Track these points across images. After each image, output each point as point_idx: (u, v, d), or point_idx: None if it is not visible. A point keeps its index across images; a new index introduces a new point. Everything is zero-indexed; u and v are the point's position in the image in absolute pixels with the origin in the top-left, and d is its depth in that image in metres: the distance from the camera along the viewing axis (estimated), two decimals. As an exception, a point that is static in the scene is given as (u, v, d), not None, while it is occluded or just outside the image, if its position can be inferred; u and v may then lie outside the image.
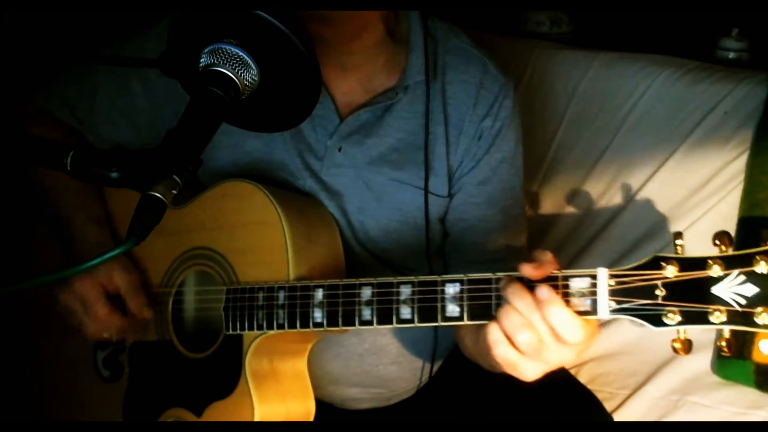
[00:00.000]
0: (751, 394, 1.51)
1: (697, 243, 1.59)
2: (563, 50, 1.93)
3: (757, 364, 1.48)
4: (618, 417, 1.59)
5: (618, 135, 1.77)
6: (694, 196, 1.64)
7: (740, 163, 1.60)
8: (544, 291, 0.93)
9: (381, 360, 1.35)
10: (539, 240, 1.79)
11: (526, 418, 1.29)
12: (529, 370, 0.96)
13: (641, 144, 1.73)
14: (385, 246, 1.32)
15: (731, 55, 1.90)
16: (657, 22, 2.03)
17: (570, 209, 1.80)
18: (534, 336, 0.92)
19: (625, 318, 0.92)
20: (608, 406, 1.58)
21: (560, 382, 1.38)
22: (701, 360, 1.56)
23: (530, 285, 0.95)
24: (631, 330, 1.63)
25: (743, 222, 1.56)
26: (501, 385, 1.21)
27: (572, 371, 1.63)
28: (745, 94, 1.65)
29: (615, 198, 1.73)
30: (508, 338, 0.94)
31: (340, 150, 1.29)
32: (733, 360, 1.51)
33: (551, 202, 1.82)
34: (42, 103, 1.41)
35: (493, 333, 0.95)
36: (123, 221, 1.35)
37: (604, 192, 1.75)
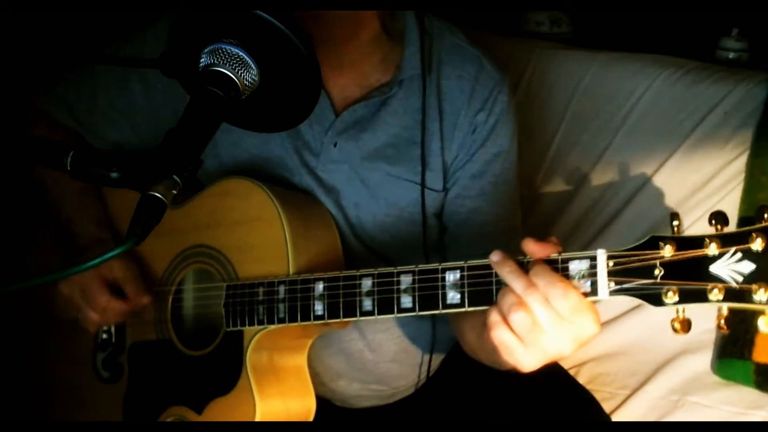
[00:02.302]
0: (751, 394, 1.51)
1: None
2: (563, 50, 1.93)
3: (757, 364, 1.48)
4: (618, 417, 1.59)
5: (618, 135, 1.77)
6: (694, 196, 1.64)
7: (740, 163, 1.60)
8: (536, 267, 0.94)
9: (381, 357, 1.36)
10: (543, 239, 1.79)
11: (524, 418, 1.29)
12: (525, 357, 0.95)
13: (641, 144, 1.73)
14: (382, 241, 1.32)
15: (731, 55, 1.90)
16: (657, 22, 2.03)
17: (569, 210, 1.80)
18: (528, 317, 0.92)
19: (624, 298, 0.92)
20: (608, 406, 1.58)
21: (558, 381, 1.38)
22: (701, 360, 1.56)
23: (527, 270, 0.95)
24: (631, 330, 1.63)
25: (743, 222, 1.55)
26: (500, 384, 1.21)
27: (572, 371, 1.63)
28: (745, 94, 1.65)
29: (615, 198, 1.73)
30: (504, 319, 0.94)
31: (335, 146, 1.30)
32: (733, 360, 1.51)
33: (551, 202, 1.82)
34: (41, 104, 1.41)
35: (491, 315, 0.95)
36: (123, 221, 1.35)
37: (604, 192, 1.75)
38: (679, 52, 1.82)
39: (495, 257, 0.97)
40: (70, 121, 1.40)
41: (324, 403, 1.38)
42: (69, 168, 0.86)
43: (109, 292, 1.26)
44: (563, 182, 1.82)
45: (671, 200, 1.66)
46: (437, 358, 1.44)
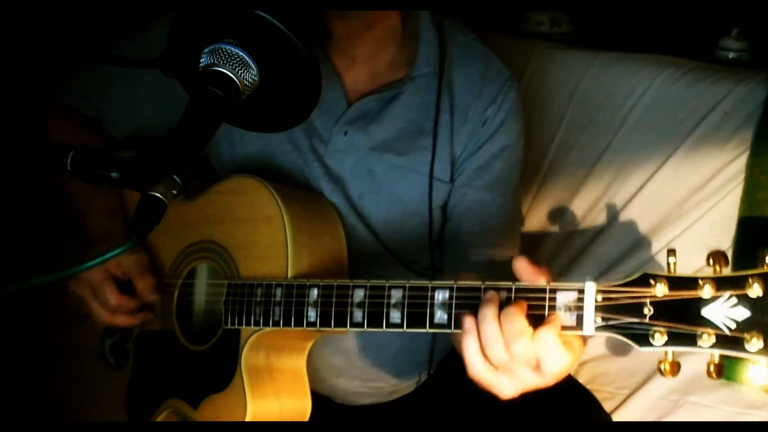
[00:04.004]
0: (751, 394, 1.50)
1: (697, 243, 1.61)
2: (563, 50, 1.93)
3: (757, 363, 1.48)
4: (618, 417, 1.59)
5: (618, 135, 1.77)
6: (694, 195, 1.64)
7: (740, 163, 1.60)
8: (510, 310, 0.91)
9: (381, 355, 1.36)
10: (541, 240, 1.79)
11: (525, 417, 1.29)
12: (503, 385, 0.94)
13: (641, 144, 1.73)
14: (386, 233, 1.33)
15: (731, 55, 1.90)
16: (657, 22, 2.03)
17: (570, 209, 1.79)
18: (505, 355, 0.91)
19: (610, 335, 0.89)
20: (608, 406, 1.58)
21: (559, 381, 1.38)
22: (701, 360, 1.56)
23: (508, 297, 0.94)
24: (631, 330, 1.63)
25: (743, 222, 1.56)
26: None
27: (572, 371, 1.63)
28: (745, 94, 1.65)
29: (615, 198, 1.73)
30: (482, 349, 0.93)
31: (345, 134, 1.31)
32: (733, 360, 1.50)
33: (550, 202, 1.82)
34: (59, 95, 1.44)
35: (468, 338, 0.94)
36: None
37: (604, 192, 1.75)
38: (679, 52, 1.82)
39: (488, 295, 0.95)
40: (89, 110, 1.42)
41: (324, 400, 1.38)
42: (69, 168, 0.86)
43: (116, 289, 1.25)
44: (563, 182, 1.82)
45: (671, 200, 1.66)
46: (438, 357, 1.44)
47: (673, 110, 1.71)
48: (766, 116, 1.59)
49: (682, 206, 1.64)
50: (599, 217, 1.74)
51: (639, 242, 1.67)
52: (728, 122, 1.64)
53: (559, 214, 1.81)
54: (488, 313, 0.92)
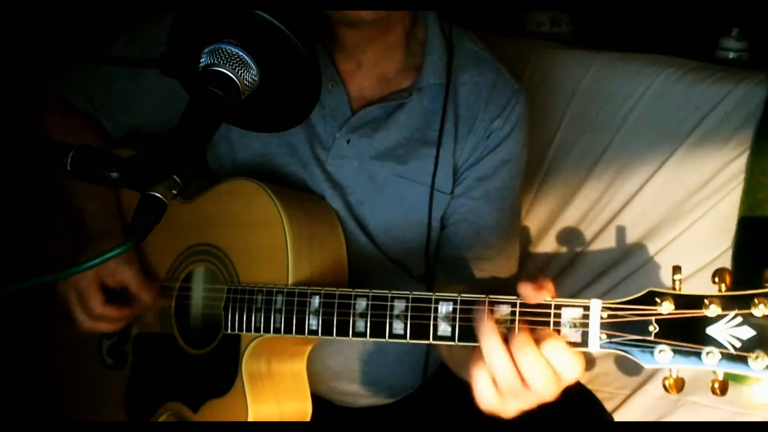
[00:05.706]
0: (751, 393, 1.50)
1: (697, 243, 1.61)
2: (563, 50, 1.93)
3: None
4: (618, 417, 1.59)
5: (618, 135, 1.76)
6: (694, 196, 1.64)
7: (740, 163, 1.60)
8: (520, 338, 0.90)
9: (382, 358, 1.36)
10: (541, 240, 1.79)
11: (526, 417, 1.28)
12: (510, 408, 0.94)
13: (641, 144, 1.73)
14: (385, 241, 1.33)
15: (731, 55, 1.90)
16: (657, 22, 2.03)
17: (569, 210, 1.79)
18: (517, 382, 0.91)
19: (614, 352, 0.89)
20: (608, 406, 1.58)
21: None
22: (701, 360, 1.56)
23: (513, 311, 0.93)
24: (631, 330, 1.63)
25: (743, 222, 1.56)
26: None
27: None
28: (745, 94, 1.64)
29: (614, 199, 1.73)
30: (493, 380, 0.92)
31: (348, 142, 1.31)
32: (733, 360, 1.50)
33: (550, 202, 1.82)
34: (59, 90, 1.44)
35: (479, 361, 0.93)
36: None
37: (604, 192, 1.75)
38: (679, 52, 1.81)
39: (487, 326, 0.93)
40: (88, 106, 1.42)
41: (323, 402, 1.38)
42: (69, 168, 0.86)
43: (103, 300, 1.24)
44: (563, 182, 1.82)
45: (671, 200, 1.66)
46: (436, 359, 1.44)
47: (673, 110, 1.71)
48: (766, 116, 1.59)
49: (682, 206, 1.64)
50: (599, 217, 1.74)
51: (639, 242, 1.67)
52: (728, 122, 1.64)
53: (559, 214, 1.81)
54: (492, 342, 0.91)
